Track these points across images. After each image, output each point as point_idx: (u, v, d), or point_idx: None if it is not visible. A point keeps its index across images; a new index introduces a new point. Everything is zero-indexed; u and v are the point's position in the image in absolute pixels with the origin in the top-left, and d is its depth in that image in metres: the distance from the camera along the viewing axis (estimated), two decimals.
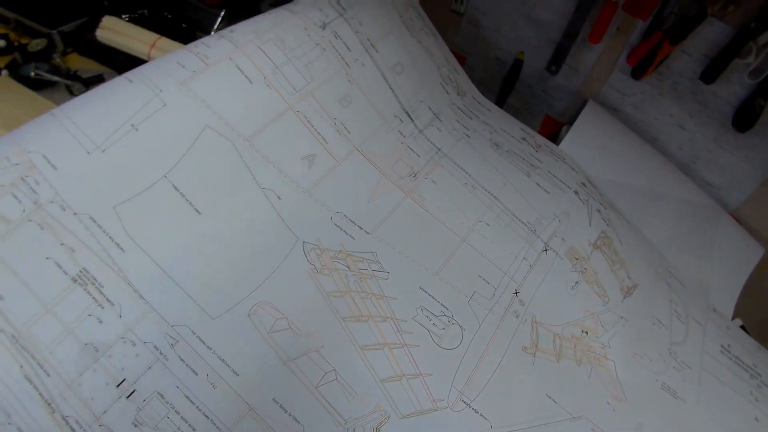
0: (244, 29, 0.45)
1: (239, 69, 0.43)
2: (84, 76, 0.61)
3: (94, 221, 0.35)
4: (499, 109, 0.68)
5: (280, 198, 0.43)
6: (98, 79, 0.62)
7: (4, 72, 0.59)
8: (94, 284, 0.33)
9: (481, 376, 0.43)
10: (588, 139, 0.70)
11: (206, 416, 0.34)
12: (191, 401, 0.34)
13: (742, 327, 0.62)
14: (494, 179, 0.55)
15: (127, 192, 0.36)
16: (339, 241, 0.44)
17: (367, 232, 0.46)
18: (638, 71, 0.69)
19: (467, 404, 0.41)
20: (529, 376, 0.45)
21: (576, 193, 0.60)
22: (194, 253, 0.38)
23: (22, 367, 0.31)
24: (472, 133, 0.60)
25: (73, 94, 0.59)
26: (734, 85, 0.64)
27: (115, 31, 0.56)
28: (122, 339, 0.33)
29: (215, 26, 0.69)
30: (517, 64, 0.78)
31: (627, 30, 0.68)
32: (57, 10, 0.66)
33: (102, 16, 0.57)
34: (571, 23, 0.71)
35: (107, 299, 0.34)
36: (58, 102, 0.37)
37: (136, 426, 0.32)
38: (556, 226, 0.55)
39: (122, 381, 0.33)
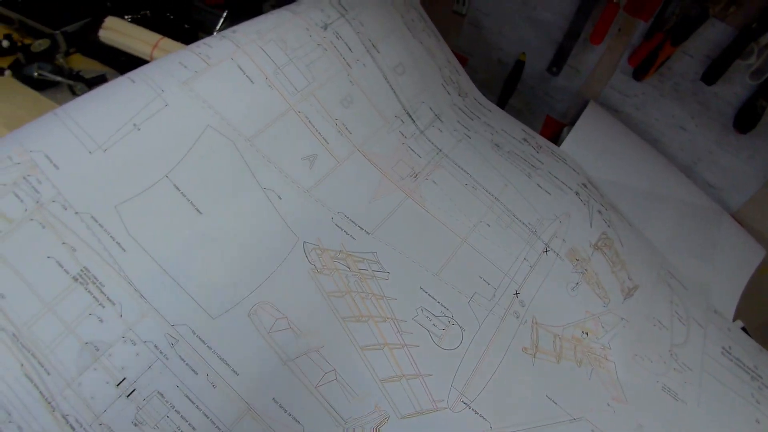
0: (246, 29, 0.46)
1: (241, 69, 0.43)
2: (87, 76, 0.61)
3: (96, 220, 0.35)
4: (500, 109, 0.68)
5: (280, 198, 0.43)
6: (101, 80, 0.62)
7: (8, 72, 0.59)
8: (94, 283, 0.34)
9: (481, 377, 0.43)
10: (589, 140, 0.70)
11: (206, 416, 0.34)
12: (191, 401, 0.34)
13: (743, 329, 0.62)
14: (495, 180, 0.55)
15: (129, 191, 0.36)
16: (339, 241, 0.44)
17: (367, 233, 0.46)
18: (639, 72, 0.69)
19: (467, 405, 0.41)
20: (529, 376, 0.45)
21: (577, 194, 0.60)
22: (195, 252, 0.38)
23: (22, 365, 0.31)
24: (473, 134, 0.60)
25: (75, 94, 0.60)
26: (736, 86, 0.64)
27: (117, 32, 0.56)
28: (123, 338, 0.33)
29: (217, 27, 0.69)
30: (519, 65, 0.78)
31: (628, 31, 0.67)
32: (60, 10, 0.66)
33: (105, 16, 0.57)
34: (573, 24, 0.70)
35: (108, 298, 0.34)
36: (61, 102, 0.37)
37: (135, 425, 0.32)
38: (557, 227, 0.55)
39: (122, 380, 0.33)
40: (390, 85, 0.53)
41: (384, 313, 0.42)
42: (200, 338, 0.35)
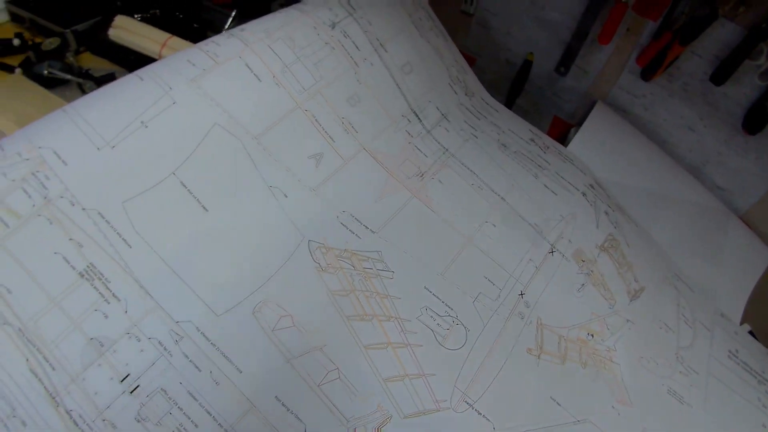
0: (254, 28, 0.46)
1: (248, 67, 0.43)
2: (96, 74, 0.62)
3: (103, 217, 0.35)
4: (508, 109, 0.68)
5: (286, 196, 0.43)
6: (110, 78, 0.62)
7: (18, 70, 0.60)
8: (100, 279, 0.34)
9: (484, 378, 0.43)
10: (596, 140, 0.70)
11: (209, 413, 0.34)
12: (194, 398, 0.34)
13: (751, 332, 0.61)
14: (501, 180, 0.55)
15: (136, 188, 0.37)
16: (344, 239, 0.44)
17: (372, 232, 0.46)
18: (648, 72, 0.68)
19: (470, 405, 0.41)
20: (534, 378, 0.45)
21: (584, 194, 0.59)
22: (200, 250, 0.38)
23: (27, 360, 0.31)
24: (480, 134, 0.60)
25: (84, 92, 0.60)
26: (745, 87, 0.63)
27: (127, 31, 0.57)
28: (127, 334, 0.34)
29: (226, 26, 0.70)
30: (527, 65, 0.78)
31: (637, 31, 0.67)
32: (71, 9, 0.67)
33: (115, 15, 0.58)
34: (581, 24, 0.70)
35: (113, 294, 0.34)
36: (70, 100, 0.38)
37: (139, 421, 0.32)
38: (563, 228, 0.55)
39: (126, 376, 0.33)
40: (397, 85, 0.53)
41: (388, 312, 0.42)
42: (204, 335, 0.36)
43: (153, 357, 0.34)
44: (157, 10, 0.69)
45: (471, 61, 0.85)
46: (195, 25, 0.71)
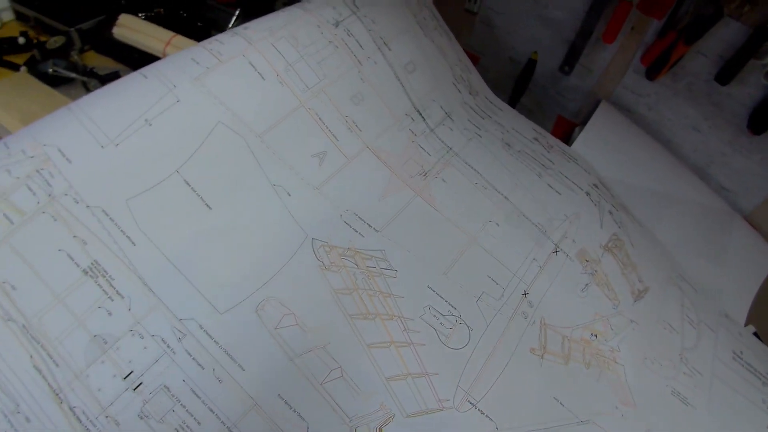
0: (258, 26, 0.46)
1: (252, 65, 0.43)
2: (100, 73, 0.62)
3: (107, 214, 0.35)
4: (512, 109, 0.68)
5: (290, 195, 0.43)
6: (114, 76, 0.62)
7: (23, 68, 0.60)
8: (104, 276, 0.34)
9: (487, 377, 0.42)
10: (601, 140, 0.70)
11: (211, 410, 0.34)
12: (197, 395, 0.34)
13: (755, 334, 0.61)
14: (505, 179, 0.55)
15: (140, 186, 0.37)
16: (348, 238, 0.44)
17: (376, 230, 0.46)
18: (652, 71, 0.68)
19: (473, 405, 0.41)
20: (537, 378, 0.44)
21: (588, 194, 0.59)
22: (204, 247, 0.38)
23: (31, 356, 0.31)
24: (484, 133, 0.60)
25: (89, 90, 0.60)
26: (750, 87, 0.63)
27: (131, 29, 0.57)
28: (131, 332, 0.34)
29: (230, 25, 0.70)
30: (531, 64, 0.77)
31: (641, 29, 0.67)
32: (75, 8, 0.67)
33: (119, 14, 0.58)
34: (585, 23, 0.70)
35: (117, 292, 0.34)
36: (75, 98, 0.38)
37: (141, 418, 0.32)
38: (567, 228, 0.54)
39: (129, 373, 0.33)
40: (401, 83, 0.53)
41: (391, 311, 0.42)
42: (207, 333, 0.36)
43: (156, 354, 0.34)
44: (162, 9, 0.70)
45: (475, 59, 0.85)
46: (199, 24, 0.71)
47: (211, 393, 0.34)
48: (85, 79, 0.60)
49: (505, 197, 0.53)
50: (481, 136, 0.59)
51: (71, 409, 0.31)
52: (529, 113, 0.74)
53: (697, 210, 0.69)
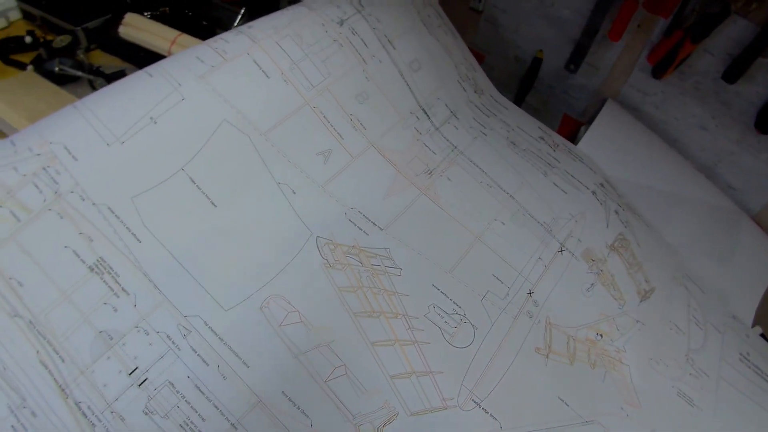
0: (262, 25, 0.46)
1: (257, 64, 0.43)
2: (106, 71, 0.62)
3: (112, 212, 0.35)
4: (517, 107, 0.68)
5: (294, 192, 0.43)
6: (120, 75, 0.63)
7: (30, 67, 0.61)
8: (110, 273, 0.34)
9: (492, 376, 0.42)
10: (607, 139, 0.69)
11: (216, 407, 0.34)
12: (201, 391, 0.34)
13: (762, 335, 0.60)
14: (511, 178, 0.55)
15: (145, 184, 0.37)
16: (352, 236, 0.44)
17: (380, 229, 0.46)
18: (659, 70, 0.68)
19: (477, 404, 0.41)
20: (542, 377, 0.44)
21: (594, 193, 0.59)
22: (209, 245, 0.38)
23: (38, 352, 0.31)
24: (489, 131, 0.60)
25: (95, 88, 0.61)
26: (758, 85, 0.63)
27: (137, 28, 0.57)
28: (136, 328, 0.34)
29: (235, 23, 0.70)
30: (536, 62, 0.77)
31: (648, 28, 0.66)
32: (81, 7, 0.68)
33: (125, 13, 0.58)
34: (591, 21, 0.70)
35: (123, 288, 0.34)
36: (81, 96, 0.38)
37: (146, 414, 0.33)
38: (573, 227, 0.54)
39: (135, 369, 0.33)
40: (405, 82, 0.53)
41: (395, 310, 0.42)
42: (212, 330, 0.36)
43: (161, 351, 0.34)
44: (167, 8, 0.70)
45: (480, 58, 0.85)
46: (204, 23, 0.71)
47: (216, 389, 0.34)
48: (91, 77, 0.61)
49: (511, 196, 0.53)
50: (486, 135, 0.59)
51: (77, 404, 0.31)
52: (534, 112, 0.74)
53: (704, 210, 0.68)
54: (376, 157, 0.48)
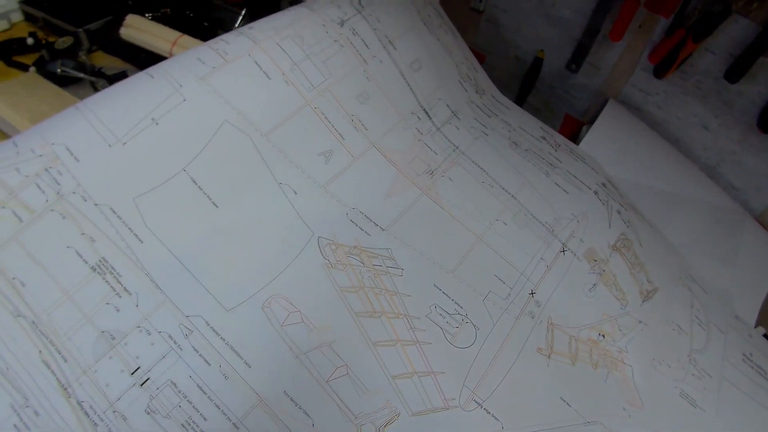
0: (263, 26, 0.46)
1: (258, 65, 0.43)
2: (108, 73, 0.62)
3: (114, 212, 0.35)
4: (518, 107, 0.68)
5: (296, 193, 0.43)
6: (122, 76, 0.63)
7: (32, 68, 0.61)
8: (112, 273, 0.34)
9: (494, 377, 0.42)
10: (609, 138, 0.69)
11: (217, 406, 0.34)
12: (203, 391, 0.34)
13: (765, 336, 0.60)
14: (512, 178, 0.55)
15: (147, 184, 0.37)
16: (354, 236, 0.44)
17: (382, 229, 0.46)
18: (661, 70, 0.68)
19: (479, 404, 0.40)
20: (543, 378, 0.44)
21: (596, 193, 0.59)
22: (210, 245, 0.38)
23: (40, 352, 0.32)
24: (491, 132, 0.59)
25: (96, 90, 0.61)
26: (760, 85, 0.62)
27: (138, 29, 0.57)
28: (138, 328, 0.34)
29: (236, 24, 0.70)
30: (537, 62, 0.77)
31: (649, 27, 0.66)
32: (83, 9, 0.68)
33: (126, 14, 0.58)
34: (592, 21, 0.70)
35: (125, 288, 0.34)
36: (83, 98, 0.38)
37: (148, 414, 0.33)
38: (575, 227, 0.54)
39: (137, 369, 0.33)
40: (406, 82, 0.53)
41: (397, 310, 0.42)
42: (214, 330, 0.36)
43: (163, 350, 0.34)
44: (168, 9, 0.70)
45: (480, 58, 0.85)
46: (205, 24, 0.71)
47: (218, 389, 0.35)
48: (93, 78, 0.61)
49: (513, 196, 0.53)
50: (487, 135, 0.59)
51: (79, 403, 0.32)
52: (536, 112, 0.74)
53: (706, 210, 0.68)
54: (377, 158, 0.48)
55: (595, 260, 0.53)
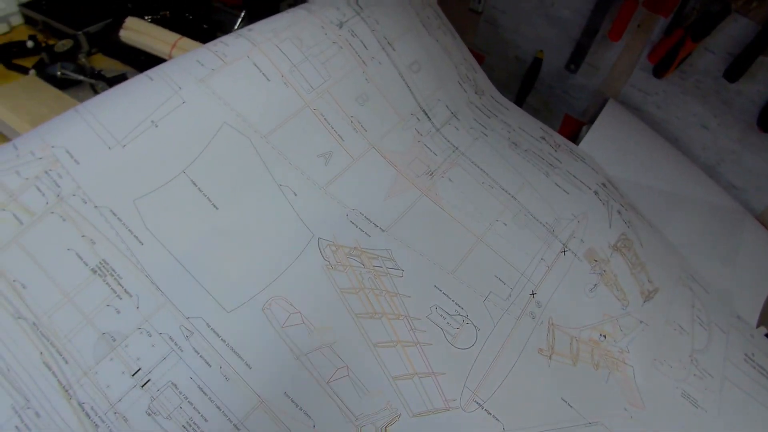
0: (262, 28, 0.46)
1: (257, 67, 0.43)
2: (108, 75, 0.62)
3: (114, 214, 0.35)
4: (518, 108, 0.68)
5: (296, 194, 0.43)
6: (121, 79, 0.63)
7: (32, 71, 0.61)
8: (113, 275, 0.34)
9: (494, 377, 0.42)
10: (608, 138, 0.69)
11: (218, 408, 0.34)
12: (204, 392, 0.34)
13: (767, 335, 0.60)
14: (512, 178, 0.55)
15: (147, 186, 0.37)
16: (354, 238, 0.44)
17: (382, 230, 0.46)
18: (660, 69, 0.68)
19: (480, 405, 0.40)
20: (544, 378, 0.44)
21: (596, 193, 0.59)
22: (211, 247, 0.38)
23: (41, 353, 0.32)
24: (490, 132, 0.60)
25: (96, 92, 0.61)
26: (759, 84, 0.62)
27: (137, 32, 0.57)
28: (139, 329, 0.34)
29: (236, 26, 0.70)
30: (536, 62, 0.77)
31: (648, 27, 0.66)
32: (83, 12, 0.68)
33: (126, 17, 0.58)
34: (591, 21, 0.70)
35: (125, 290, 0.34)
36: (83, 100, 0.38)
37: (149, 415, 0.33)
38: (575, 227, 0.54)
39: (138, 370, 0.33)
40: (405, 83, 0.53)
41: (397, 311, 0.42)
42: (214, 331, 0.36)
43: (164, 352, 0.34)
44: (167, 12, 0.70)
45: (480, 59, 0.85)
46: (204, 26, 0.71)
47: (218, 390, 0.34)
48: (92, 81, 0.61)
49: (513, 196, 0.53)
50: (487, 136, 0.59)
51: (80, 405, 0.32)
52: (535, 112, 0.74)
53: (707, 209, 0.68)
54: (376, 159, 0.49)
55: (596, 260, 0.53)
